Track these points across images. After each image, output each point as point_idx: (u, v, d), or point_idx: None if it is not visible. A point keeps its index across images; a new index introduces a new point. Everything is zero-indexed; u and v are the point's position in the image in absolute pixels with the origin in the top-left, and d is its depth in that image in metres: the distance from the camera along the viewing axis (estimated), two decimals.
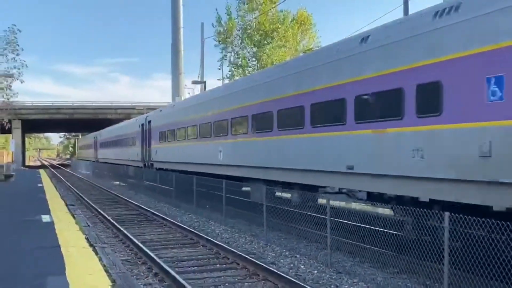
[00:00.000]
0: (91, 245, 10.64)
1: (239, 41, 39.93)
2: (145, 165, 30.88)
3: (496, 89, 7.59)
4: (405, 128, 9.39)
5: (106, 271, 8.26)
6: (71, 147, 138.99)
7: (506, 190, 7.45)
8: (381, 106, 10.03)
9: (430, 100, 8.78)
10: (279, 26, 37.93)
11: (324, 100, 11.83)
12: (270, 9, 38.13)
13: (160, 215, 17.83)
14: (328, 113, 11.75)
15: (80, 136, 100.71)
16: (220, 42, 39.98)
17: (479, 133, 7.84)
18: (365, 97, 10.48)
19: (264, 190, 13.48)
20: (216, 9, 50.78)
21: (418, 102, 9.04)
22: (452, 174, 8.35)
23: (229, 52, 40.20)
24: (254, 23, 38.48)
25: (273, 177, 14.50)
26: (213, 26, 40.44)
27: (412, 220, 9.57)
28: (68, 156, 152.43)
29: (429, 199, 9.06)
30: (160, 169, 26.77)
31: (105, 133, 50.28)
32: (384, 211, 14.21)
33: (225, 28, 39.58)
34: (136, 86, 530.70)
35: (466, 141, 8.06)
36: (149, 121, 30.15)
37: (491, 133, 7.65)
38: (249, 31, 38.92)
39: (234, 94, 17.58)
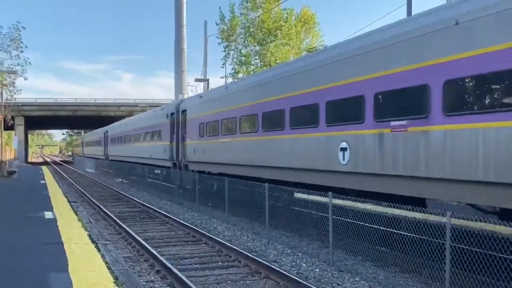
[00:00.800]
0: (93, 242, 10.67)
1: (242, 39, 39.89)
2: (105, 158, 48.31)
3: None
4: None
5: (109, 267, 8.29)
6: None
7: None
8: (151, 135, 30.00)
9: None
10: (283, 24, 37.87)
11: (149, 131, 30.61)
12: (273, 8, 38.06)
13: (162, 212, 17.88)
14: (150, 135, 30.44)
15: (82, 133, 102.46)
16: (224, 40, 39.98)
17: None
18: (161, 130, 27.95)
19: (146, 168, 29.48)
20: (220, 7, 50.76)
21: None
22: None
23: (232, 50, 40.18)
24: (257, 21, 38.41)
25: (149, 162, 30.00)
26: (216, 24, 40.44)
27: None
28: (70, 153, 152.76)
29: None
30: (112, 160, 44.04)
31: (87, 136, 71.84)
32: None
33: (228, 26, 39.54)
34: (139, 83, 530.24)
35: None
36: (107, 131, 48.27)
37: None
38: (252, 29, 38.87)
39: (138, 121, 35.88)
